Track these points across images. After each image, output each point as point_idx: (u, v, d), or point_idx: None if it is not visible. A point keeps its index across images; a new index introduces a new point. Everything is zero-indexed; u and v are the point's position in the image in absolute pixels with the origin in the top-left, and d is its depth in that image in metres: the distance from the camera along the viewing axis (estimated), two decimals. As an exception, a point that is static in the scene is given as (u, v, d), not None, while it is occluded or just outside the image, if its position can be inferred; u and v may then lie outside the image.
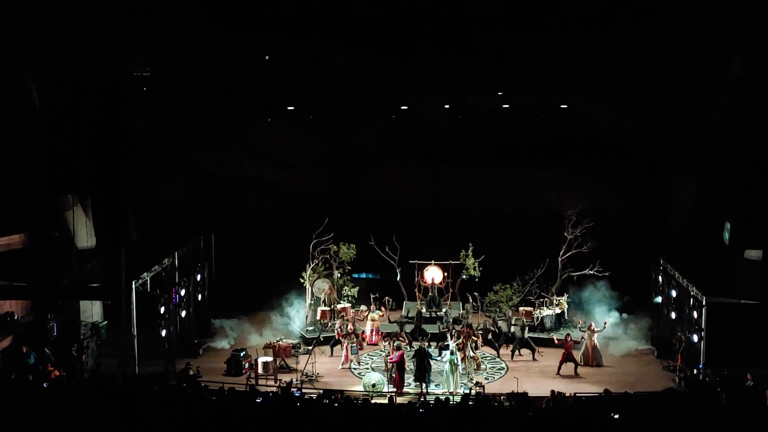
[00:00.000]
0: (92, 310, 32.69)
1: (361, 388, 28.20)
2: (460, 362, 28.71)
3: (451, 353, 28.61)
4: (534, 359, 31.83)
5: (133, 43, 33.44)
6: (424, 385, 28.37)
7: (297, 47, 34.90)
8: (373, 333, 33.94)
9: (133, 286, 29.59)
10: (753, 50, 31.64)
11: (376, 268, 37.36)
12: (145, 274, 31.06)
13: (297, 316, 35.33)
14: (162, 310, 30.79)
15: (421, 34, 34.04)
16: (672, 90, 34.37)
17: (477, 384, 28.13)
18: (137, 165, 36.06)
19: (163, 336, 30.60)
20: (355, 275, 37.81)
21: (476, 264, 36.00)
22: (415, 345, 31.22)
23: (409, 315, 35.35)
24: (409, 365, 29.20)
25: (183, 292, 33.55)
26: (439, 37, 34.08)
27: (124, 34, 32.70)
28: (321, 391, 25.32)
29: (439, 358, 29.57)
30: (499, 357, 32.03)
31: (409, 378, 28.86)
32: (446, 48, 34.37)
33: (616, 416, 20.79)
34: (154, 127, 36.58)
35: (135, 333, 29.44)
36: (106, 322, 32.06)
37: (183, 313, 33.51)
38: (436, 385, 28.64)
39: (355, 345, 31.51)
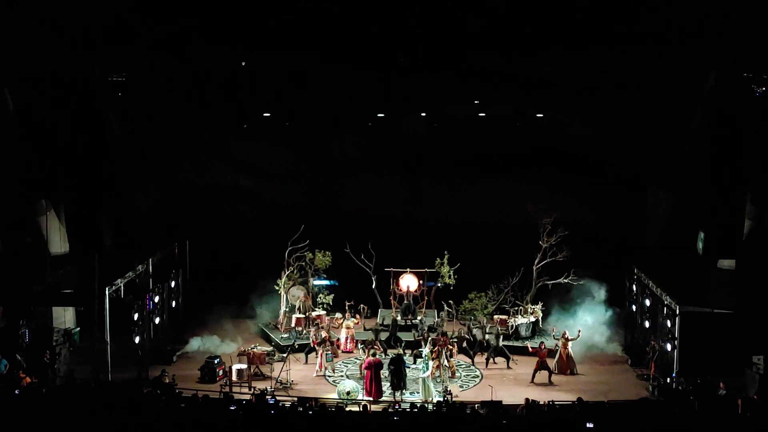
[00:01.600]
0: (65, 317, 32.43)
1: (335, 395, 28.12)
2: (429, 369, 28.61)
3: (423, 360, 28.60)
4: (508, 367, 31.87)
5: (109, 49, 33.35)
6: (398, 392, 28.34)
7: (274, 57, 34.93)
8: (348, 341, 33.88)
9: (107, 292, 29.44)
10: (728, 63, 31.96)
11: (349, 276, 37.16)
12: (118, 280, 30.92)
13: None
14: (136, 316, 30.62)
15: (398, 44, 34.16)
16: (647, 102, 34.64)
17: (446, 391, 28.11)
18: (112, 171, 35.98)
19: (136, 343, 30.41)
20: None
21: (451, 272, 36.01)
22: (391, 353, 31.23)
23: (385, 323, 35.30)
24: (385, 373, 29.15)
25: (157, 299, 33.38)
26: (416, 47, 34.20)
27: (101, 39, 32.61)
28: (295, 399, 25.24)
29: (414, 366, 29.52)
30: (473, 365, 32.05)
31: (385, 385, 28.85)
32: (423, 58, 34.51)
33: (590, 425, 20.86)
34: (130, 134, 36.46)
35: (108, 340, 29.28)
36: (79, 329, 31.78)
37: (157, 320, 33.34)
38: (410, 393, 28.60)
39: (329, 353, 31.42)
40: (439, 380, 29.00)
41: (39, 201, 32.63)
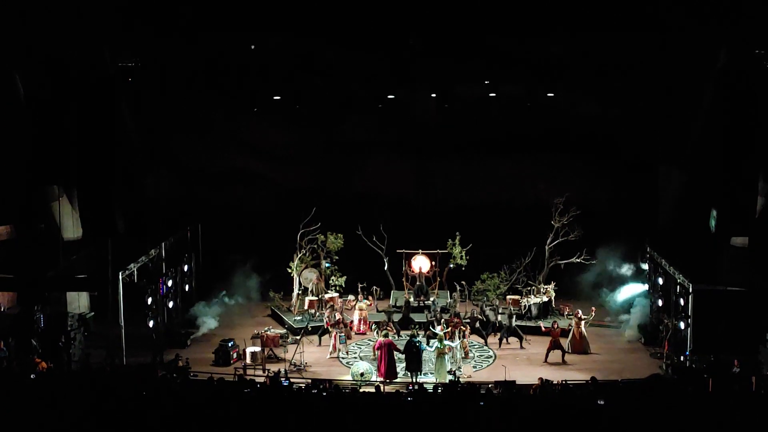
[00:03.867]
0: (79, 302, 32.60)
1: (349, 377, 28.23)
2: (453, 346, 28.72)
3: (439, 341, 28.62)
4: (521, 347, 31.91)
5: (119, 33, 33.32)
6: (412, 374, 28.37)
7: (284, 40, 34.87)
8: (361, 322, 33.95)
9: (120, 277, 29.55)
10: (739, 40, 31.77)
11: (362, 258, 37.12)
12: (132, 265, 31.01)
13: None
14: (149, 301, 30.76)
15: (408, 25, 34.05)
16: (658, 80, 34.48)
17: (450, 372, 28.09)
18: (124, 156, 36.01)
19: (150, 327, 30.55)
20: None
21: (463, 253, 36.01)
22: (404, 334, 31.31)
23: (397, 304, 35.37)
24: (399, 356, 29.16)
25: (170, 283, 33.52)
26: (425, 28, 34.09)
27: (111, 24, 32.59)
28: (309, 381, 25.33)
29: (427, 347, 29.58)
30: (486, 345, 32.08)
31: (399, 367, 28.90)
32: (433, 39, 34.39)
33: (601, 402, 20.91)
34: (141, 118, 36.50)
35: (122, 324, 29.43)
36: (93, 314, 31.97)
37: (170, 304, 33.50)
38: (424, 374, 28.65)
39: (343, 334, 31.50)
40: (451, 361, 29.02)
41: (51, 187, 32.72)
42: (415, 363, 28.41)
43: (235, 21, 33.63)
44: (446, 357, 28.50)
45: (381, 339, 28.87)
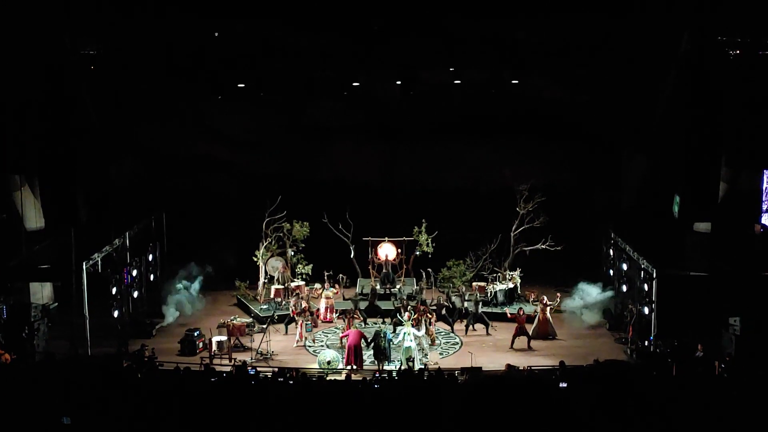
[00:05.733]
0: (42, 292, 32.30)
1: (316, 365, 28.19)
2: (411, 335, 28.71)
3: (404, 327, 28.62)
4: (488, 334, 32.02)
5: (80, 20, 32.94)
6: (380, 363, 28.34)
7: (247, 25, 34.66)
8: (328, 311, 33.92)
9: (84, 267, 29.30)
10: (701, 24, 31.97)
11: (327, 246, 37.08)
12: (96, 254, 30.75)
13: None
14: (114, 291, 30.53)
15: (373, 11, 33.96)
16: (622, 66, 34.64)
17: (409, 359, 28.09)
18: (86, 144, 35.64)
19: (115, 317, 30.34)
20: None
21: (429, 240, 36.05)
22: (370, 322, 31.29)
23: (364, 292, 35.36)
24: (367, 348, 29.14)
25: (135, 273, 33.28)
26: (390, 13, 34.01)
27: (71, 11, 32.21)
28: (276, 370, 25.27)
29: (393, 336, 29.56)
30: (453, 332, 32.16)
31: (366, 355, 28.91)
32: (397, 25, 34.33)
33: (564, 384, 21.10)
34: (104, 106, 36.15)
35: (87, 314, 29.18)
36: (56, 304, 31.68)
37: (135, 294, 33.27)
38: (390, 362, 28.64)
39: (309, 323, 31.45)
40: (418, 348, 29.02)
41: (13, 176, 32.36)
42: (382, 353, 28.41)
43: (198, 6, 33.36)
44: (413, 343, 28.48)
45: (351, 329, 28.82)
